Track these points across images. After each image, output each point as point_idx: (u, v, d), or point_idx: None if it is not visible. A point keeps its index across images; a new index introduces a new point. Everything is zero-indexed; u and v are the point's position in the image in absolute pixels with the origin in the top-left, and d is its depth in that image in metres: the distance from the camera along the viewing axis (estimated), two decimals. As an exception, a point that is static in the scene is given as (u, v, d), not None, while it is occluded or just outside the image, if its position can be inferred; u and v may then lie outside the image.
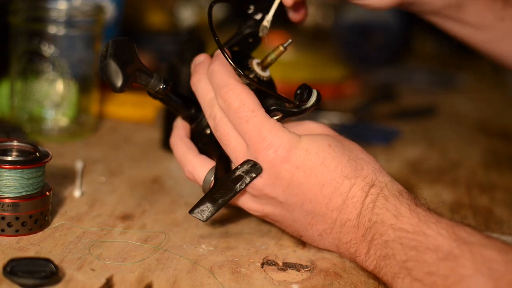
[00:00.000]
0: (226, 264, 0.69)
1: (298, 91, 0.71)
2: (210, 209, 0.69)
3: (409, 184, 0.93)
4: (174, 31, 1.50)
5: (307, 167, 0.68)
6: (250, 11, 0.77)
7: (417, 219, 0.63)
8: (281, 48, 0.74)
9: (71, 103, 0.98)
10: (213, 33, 0.71)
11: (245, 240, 0.74)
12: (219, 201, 0.69)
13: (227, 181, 0.70)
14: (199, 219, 0.69)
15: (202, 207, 0.69)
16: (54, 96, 0.97)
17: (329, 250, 0.72)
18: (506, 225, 0.84)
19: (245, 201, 0.72)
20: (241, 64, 0.74)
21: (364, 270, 0.68)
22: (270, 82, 0.76)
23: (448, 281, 0.59)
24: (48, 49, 0.95)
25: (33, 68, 0.96)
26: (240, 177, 0.69)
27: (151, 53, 1.31)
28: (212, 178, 0.72)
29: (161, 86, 0.71)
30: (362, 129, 1.12)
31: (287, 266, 0.70)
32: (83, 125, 1.00)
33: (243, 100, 0.70)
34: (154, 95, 0.72)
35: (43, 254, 0.67)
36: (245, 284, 0.66)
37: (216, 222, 0.77)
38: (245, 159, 0.70)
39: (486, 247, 0.59)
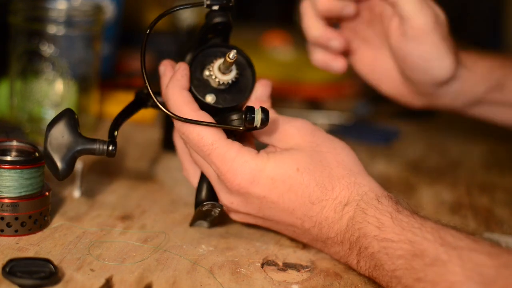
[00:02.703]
0: (226, 264, 0.69)
1: (242, 116, 0.69)
2: (205, 224, 0.76)
3: (409, 184, 0.93)
4: (174, 31, 1.50)
5: (274, 195, 0.68)
6: (208, 2, 0.74)
7: (400, 228, 0.62)
8: (228, 59, 0.70)
9: (71, 103, 0.98)
10: (143, 72, 0.70)
11: (245, 240, 0.74)
12: (208, 219, 0.75)
13: (201, 213, 0.73)
14: (204, 226, 0.75)
15: (198, 223, 0.76)
16: (53, 96, 0.97)
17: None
18: (506, 225, 0.83)
19: (230, 215, 0.73)
20: (201, 67, 0.73)
21: (364, 270, 0.68)
22: (234, 84, 0.73)
23: None
24: (48, 49, 0.95)
25: (32, 68, 0.96)
26: (209, 211, 0.73)
27: (151, 53, 1.31)
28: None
29: (110, 148, 0.70)
30: (362, 129, 1.12)
31: (287, 266, 0.70)
32: (83, 125, 1.00)
33: (200, 133, 0.68)
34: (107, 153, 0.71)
35: (43, 254, 0.67)
36: (245, 284, 0.66)
37: (216, 222, 0.77)
38: (217, 185, 0.71)
39: (475, 251, 0.59)
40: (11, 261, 0.62)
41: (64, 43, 0.95)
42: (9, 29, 0.96)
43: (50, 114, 0.97)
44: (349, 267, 0.69)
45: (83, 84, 0.98)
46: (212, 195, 0.73)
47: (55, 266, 0.63)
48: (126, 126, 1.05)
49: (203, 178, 0.73)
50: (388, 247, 0.62)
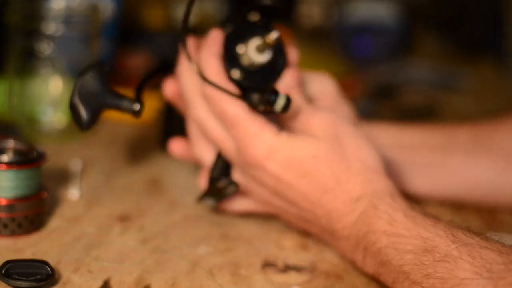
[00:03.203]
0: (225, 265, 0.69)
1: (266, 96, 0.69)
2: (211, 202, 0.75)
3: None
4: (174, 31, 1.50)
5: (289, 176, 0.68)
6: None
7: (413, 224, 0.62)
8: (268, 40, 0.70)
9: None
10: (183, 26, 0.70)
11: (245, 241, 0.74)
12: (218, 196, 0.73)
13: (214, 189, 0.72)
14: (209, 204, 0.75)
15: (207, 200, 0.75)
16: (51, 96, 0.97)
17: (330, 251, 0.71)
18: (508, 225, 0.83)
19: (245, 200, 0.74)
20: (237, 41, 0.72)
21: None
22: (264, 66, 0.72)
23: (447, 285, 0.57)
24: (46, 49, 0.95)
25: (30, 68, 0.96)
26: (223, 188, 0.72)
27: (150, 53, 1.31)
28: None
29: (137, 107, 0.71)
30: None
31: (287, 267, 0.70)
32: (81, 125, 1.00)
33: (226, 104, 0.69)
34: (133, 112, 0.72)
35: (40, 255, 0.67)
36: (245, 285, 0.66)
37: (215, 223, 0.77)
38: (235, 158, 0.71)
39: (485, 248, 0.58)
40: (7, 262, 0.62)
41: (61, 42, 0.95)
42: (6, 28, 0.96)
43: (47, 113, 0.97)
44: (350, 268, 0.69)
45: (81, 83, 0.98)
46: (228, 173, 0.72)
47: (52, 268, 0.62)
48: (125, 127, 1.05)
49: (220, 156, 0.73)
50: (397, 242, 0.62)
